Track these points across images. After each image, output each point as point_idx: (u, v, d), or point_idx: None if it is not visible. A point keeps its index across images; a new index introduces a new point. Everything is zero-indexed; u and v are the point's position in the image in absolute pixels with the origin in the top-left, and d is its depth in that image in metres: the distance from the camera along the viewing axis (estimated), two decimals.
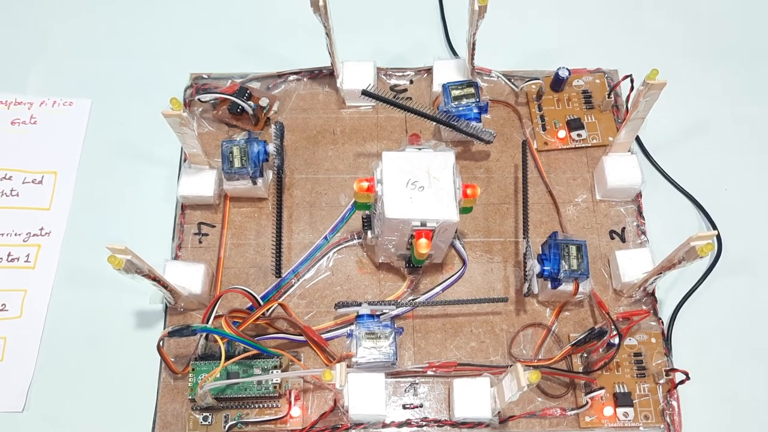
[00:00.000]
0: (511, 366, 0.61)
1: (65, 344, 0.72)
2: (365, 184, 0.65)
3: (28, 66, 0.85)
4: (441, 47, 0.87)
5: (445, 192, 0.63)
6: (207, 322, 0.65)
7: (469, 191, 0.65)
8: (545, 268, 0.68)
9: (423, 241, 0.63)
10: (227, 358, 0.63)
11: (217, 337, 0.63)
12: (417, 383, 0.70)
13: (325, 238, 0.75)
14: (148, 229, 0.77)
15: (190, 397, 0.66)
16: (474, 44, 0.74)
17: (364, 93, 0.69)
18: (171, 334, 0.63)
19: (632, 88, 0.79)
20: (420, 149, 0.66)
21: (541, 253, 0.71)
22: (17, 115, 0.81)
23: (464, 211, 0.66)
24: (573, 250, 0.69)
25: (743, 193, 0.79)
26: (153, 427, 0.68)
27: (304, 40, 0.85)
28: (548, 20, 0.89)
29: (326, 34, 0.73)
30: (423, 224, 0.63)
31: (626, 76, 0.79)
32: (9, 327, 0.72)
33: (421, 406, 0.69)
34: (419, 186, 0.64)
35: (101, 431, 0.69)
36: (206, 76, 0.83)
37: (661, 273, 0.66)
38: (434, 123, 0.76)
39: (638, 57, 0.86)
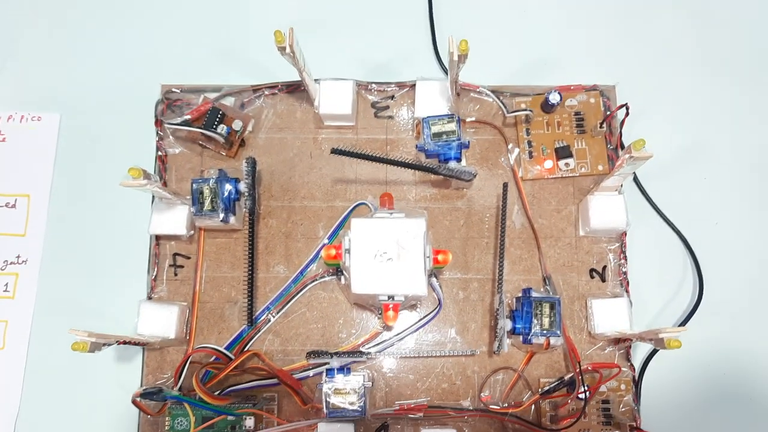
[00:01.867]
0: (482, 409, 0.66)
1: (49, 375, 0.74)
2: (333, 252, 0.63)
3: None
4: (428, 55, 0.81)
5: (414, 264, 0.62)
6: (178, 381, 0.67)
7: (440, 257, 0.64)
8: (517, 325, 0.68)
9: (390, 313, 0.62)
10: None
11: (187, 407, 0.65)
12: (388, 424, 0.72)
13: (301, 272, 0.75)
14: (124, 255, 0.76)
15: None
16: (457, 80, 0.69)
17: (334, 151, 0.66)
18: (143, 396, 0.65)
19: (627, 114, 0.75)
20: (391, 214, 0.63)
21: (513, 309, 0.70)
22: None
23: (436, 268, 0.65)
24: (546, 308, 0.68)
25: (733, 228, 0.77)
26: None
27: None
28: (544, 30, 0.82)
29: (298, 71, 0.68)
30: (390, 297, 0.62)
31: (621, 106, 0.74)
32: None
33: None
34: (387, 257, 0.62)
35: None
36: (177, 90, 0.79)
37: (632, 341, 0.66)
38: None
39: (639, 70, 0.81)
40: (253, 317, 0.72)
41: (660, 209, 0.77)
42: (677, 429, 0.72)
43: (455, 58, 0.63)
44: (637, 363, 0.73)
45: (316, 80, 0.75)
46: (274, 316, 0.74)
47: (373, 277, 0.62)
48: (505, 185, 0.72)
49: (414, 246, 0.62)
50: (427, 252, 0.63)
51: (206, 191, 0.71)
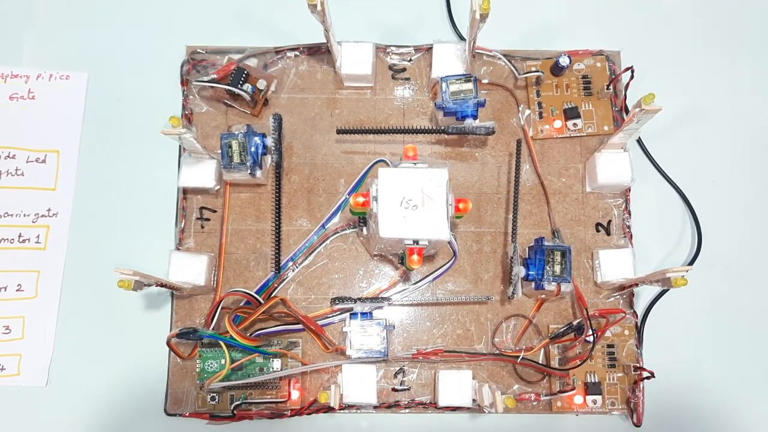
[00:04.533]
0: (495, 353, 0.71)
1: (80, 323, 0.77)
2: (361, 200, 0.67)
3: (21, 37, 0.83)
4: (443, 21, 0.85)
5: (438, 211, 0.66)
6: (211, 323, 0.70)
7: (461, 206, 0.67)
8: (530, 272, 0.72)
9: (415, 257, 0.66)
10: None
11: (222, 344, 0.68)
12: (405, 368, 0.76)
13: (323, 226, 0.78)
14: (151, 209, 0.80)
15: (198, 382, 0.73)
16: (474, 41, 0.73)
17: (340, 131, 0.73)
18: (179, 336, 0.68)
19: (632, 77, 0.79)
20: (415, 165, 0.67)
21: (527, 257, 0.74)
22: (15, 89, 0.81)
23: (457, 217, 0.69)
24: (558, 256, 0.72)
25: (730, 187, 0.81)
26: (165, 403, 0.75)
27: (302, 10, 0.82)
28: None
29: (324, 30, 0.71)
30: (415, 242, 0.66)
31: (627, 68, 0.78)
32: (27, 307, 0.77)
33: (408, 389, 0.76)
34: (413, 204, 0.66)
35: (118, 405, 0.76)
36: (202, 51, 0.82)
37: (637, 285, 0.70)
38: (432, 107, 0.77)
39: (643, 36, 0.85)
40: (280, 265, 0.76)
41: (661, 168, 0.81)
42: (677, 371, 0.77)
43: (477, 16, 0.66)
44: (639, 310, 0.78)
45: (338, 42, 0.78)
46: (297, 267, 0.78)
47: (399, 222, 0.65)
48: (519, 142, 0.77)
49: (438, 194, 0.66)
50: (450, 200, 0.67)
51: (235, 145, 0.74)
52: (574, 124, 0.80)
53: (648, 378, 0.73)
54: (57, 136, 0.81)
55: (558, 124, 0.80)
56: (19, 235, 0.78)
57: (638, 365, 0.75)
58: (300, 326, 0.74)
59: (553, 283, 0.72)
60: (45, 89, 0.82)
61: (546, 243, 0.73)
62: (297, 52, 0.82)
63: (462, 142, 0.81)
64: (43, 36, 0.84)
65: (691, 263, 0.79)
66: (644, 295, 0.79)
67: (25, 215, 0.79)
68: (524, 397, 0.75)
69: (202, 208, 0.79)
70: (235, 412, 0.73)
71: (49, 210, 0.79)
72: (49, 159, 0.80)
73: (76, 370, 0.76)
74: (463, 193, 0.80)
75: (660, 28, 0.85)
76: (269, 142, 0.75)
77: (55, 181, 0.80)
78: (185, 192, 0.79)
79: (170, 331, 0.76)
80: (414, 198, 0.66)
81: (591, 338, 0.72)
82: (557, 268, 0.72)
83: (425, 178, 0.66)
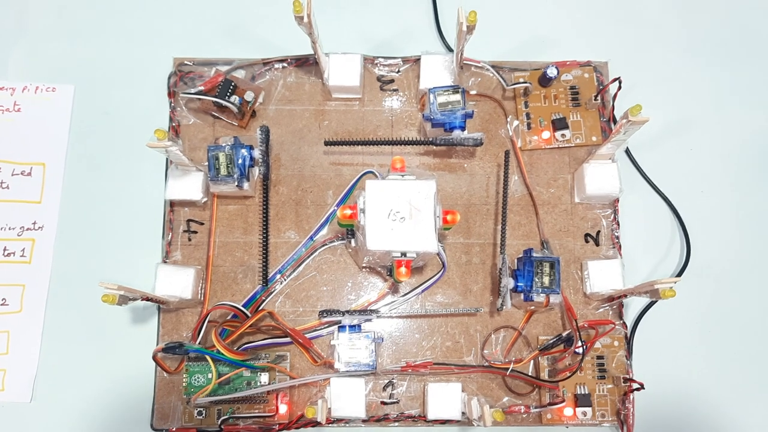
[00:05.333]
0: (485, 366, 0.71)
1: (66, 337, 0.76)
2: (348, 212, 0.67)
3: (7, 49, 0.83)
4: (431, 32, 0.85)
5: (425, 223, 0.65)
6: (198, 337, 0.70)
7: (449, 217, 0.67)
8: (519, 284, 0.72)
9: (403, 269, 0.66)
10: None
11: (209, 358, 0.68)
12: (395, 381, 0.76)
13: (311, 238, 0.78)
14: (138, 222, 0.79)
15: (185, 396, 0.72)
16: (462, 53, 0.73)
17: (327, 143, 0.73)
18: (165, 351, 0.68)
19: (620, 88, 0.79)
20: (403, 177, 0.67)
21: (515, 268, 0.74)
22: (0, 101, 0.81)
23: (445, 229, 0.69)
24: (546, 267, 0.72)
25: (718, 196, 0.82)
26: (152, 419, 0.74)
27: (290, 21, 0.82)
28: (541, 7, 0.86)
29: (312, 42, 0.71)
30: (403, 254, 0.66)
31: (614, 79, 0.78)
32: (11, 321, 0.76)
33: (398, 402, 0.75)
34: (400, 216, 0.66)
35: (104, 421, 0.75)
36: (190, 63, 0.82)
37: (626, 296, 0.70)
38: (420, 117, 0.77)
39: (631, 48, 0.85)
40: (267, 277, 0.75)
41: (650, 178, 0.81)
42: (667, 382, 0.77)
43: (464, 28, 0.66)
44: (629, 321, 0.78)
45: (325, 54, 0.78)
46: (285, 279, 0.77)
47: (386, 234, 0.65)
48: (507, 153, 0.77)
49: (425, 206, 0.66)
50: (438, 212, 0.66)
51: (222, 157, 0.73)
52: (563, 135, 0.80)
53: (638, 389, 0.73)
54: (43, 148, 0.80)
55: (546, 134, 0.80)
56: (4, 249, 0.78)
57: (628, 377, 0.74)
58: (288, 339, 0.74)
59: (542, 295, 0.72)
60: (31, 102, 0.81)
61: (535, 254, 0.73)
62: (285, 64, 0.82)
63: (450, 153, 0.81)
64: (30, 48, 0.83)
65: (680, 274, 0.79)
66: (633, 305, 0.78)
67: (10, 228, 0.78)
68: (514, 410, 0.74)
69: (189, 220, 0.79)
70: (222, 426, 0.72)
71: (34, 223, 0.79)
72: (34, 172, 0.80)
73: (61, 386, 0.76)
74: (452, 205, 0.79)
75: (647, 39, 0.86)
76: (256, 154, 0.75)
77: (40, 194, 0.79)
78: (172, 204, 0.78)
79: (157, 345, 0.75)
80: (401, 210, 0.66)
81: (581, 350, 0.72)
82: (546, 280, 0.72)
83: (413, 190, 0.66)
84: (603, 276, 0.76)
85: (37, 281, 0.77)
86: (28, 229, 0.78)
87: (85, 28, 0.84)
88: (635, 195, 0.81)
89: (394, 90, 0.82)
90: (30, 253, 0.78)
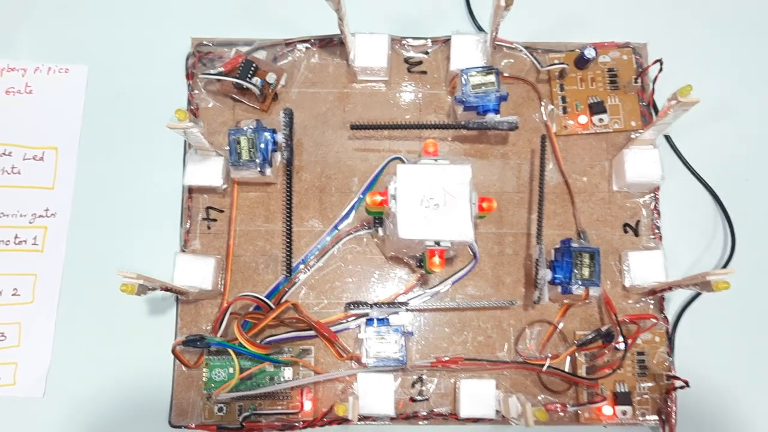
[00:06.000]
0: (519, 362, 0.67)
1: (80, 329, 0.73)
2: (378, 198, 0.63)
3: (17, 28, 0.79)
4: (461, 11, 0.81)
5: (461, 211, 0.62)
6: (219, 330, 0.66)
7: (485, 204, 0.64)
8: (557, 275, 0.68)
9: (436, 259, 0.62)
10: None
11: (231, 352, 0.64)
12: (424, 377, 0.72)
13: (335, 226, 0.74)
14: (155, 209, 0.76)
15: (205, 391, 0.69)
16: (497, 32, 0.69)
17: (353, 127, 0.71)
18: (185, 344, 0.64)
19: (661, 70, 0.75)
20: (436, 161, 0.63)
21: (553, 259, 0.70)
22: (11, 83, 0.77)
23: (480, 217, 0.65)
24: (586, 258, 0.68)
25: (764, 184, 0.77)
26: (170, 415, 0.71)
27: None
28: None
29: (338, 19, 0.67)
30: (437, 244, 0.62)
31: (656, 61, 0.74)
32: (23, 312, 0.73)
33: (427, 399, 0.72)
34: (434, 203, 0.62)
35: (120, 417, 0.71)
36: (209, 43, 0.78)
37: (671, 289, 0.66)
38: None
39: (671, 27, 0.81)
40: (291, 267, 0.72)
41: (691, 165, 0.77)
42: (711, 379, 0.73)
43: (502, 3, 0.62)
44: (671, 316, 0.74)
45: (351, 34, 0.74)
46: (309, 270, 0.74)
47: (419, 222, 0.61)
48: (543, 137, 0.73)
49: (460, 192, 0.62)
50: (473, 198, 0.63)
51: (243, 141, 0.70)
52: (600, 120, 0.76)
53: (682, 387, 0.69)
54: (55, 132, 0.77)
55: (583, 119, 0.76)
56: (16, 237, 0.74)
57: (671, 374, 0.70)
58: (312, 333, 0.70)
59: (581, 287, 0.68)
60: (43, 83, 0.78)
61: (573, 244, 0.69)
62: (308, 44, 0.78)
63: (481, 138, 0.77)
64: (41, 27, 0.80)
65: (724, 266, 0.74)
66: (674, 299, 0.75)
67: (21, 215, 0.75)
68: (550, 408, 0.70)
69: (208, 208, 0.75)
70: (244, 423, 0.69)
71: (47, 210, 0.75)
72: (47, 156, 0.76)
73: (75, 380, 0.72)
74: (483, 193, 0.74)
75: (688, 18, 0.81)
76: (280, 138, 0.71)
77: (53, 180, 0.76)
78: (191, 191, 0.75)
79: (175, 337, 0.72)
80: (435, 196, 0.62)
81: (622, 346, 0.68)
82: (586, 271, 0.68)
83: (447, 175, 0.62)
84: (644, 268, 0.72)
85: (50, 271, 0.74)
86: (40, 216, 0.75)
87: (99, 6, 0.80)
88: (676, 183, 0.77)
89: (423, 72, 0.78)
90: (42, 241, 0.75)
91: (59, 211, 0.75)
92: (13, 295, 0.73)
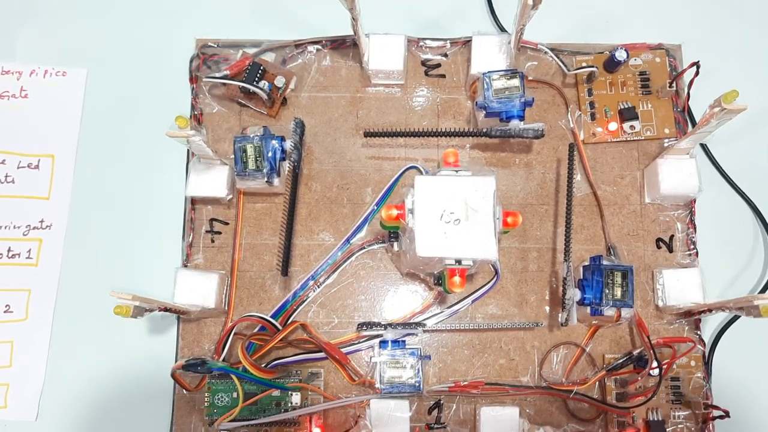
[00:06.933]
0: (543, 387, 0.62)
1: (75, 349, 0.69)
2: (394, 212, 0.58)
3: (13, 28, 0.75)
4: (482, 11, 0.76)
5: (484, 226, 0.57)
6: (222, 352, 0.62)
7: (510, 219, 0.59)
8: (586, 296, 0.63)
9: (456, 279, 0.57)
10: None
11: (235, 378, 0.60)
12: (442, 402, 0.67)
13: (347, 240, 0.70)
14: (156, 221, 0.72)
15: (206, 417, 0.64)
16: (522, 32, 0.64)
17: (367, 134, 0.65)
18: (185, 368, 0.60)
19: (697, 74, 0.70)
20: (457, 172, 0.58)
21: (581, 277, 0.65)
22: (6, 86, 0.73)
23: (503, 233, 0.60)
24: (618, 277, 0.63)
25: None
26: None
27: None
28: None
29: (352, 19, 0.63)
30: (458, 262, 0.57)
31: (692, 64, 0.69)
32: (15, 330, 0.69)
33: (445, 426, 0.67)
34: (455, 219, 0.57)
35: None
36: (214, 44, 0.74)
37: (710, 311, 0.61)
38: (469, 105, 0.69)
39: (707, 28, 0.76)
40: (288, 268, 0.67)
41: (729, 176, 0.72)
42: (752, 410, 0.67)
43: (529, 2, 0.58)
44: (707, 338, 0.69)
45: (366, 35, 0.70)
46: (319, 287, 0.69)
47: (439, 239, 0.57)
48: (571, 146, 0.67)
49: (483, 206, 0.57)
50: (497, 213, 0.58)
51: (250, 150, 0.65)
52: (632, 127, 0.71)
53: (721, 417, 0.64)
54: (52, 139, 0.73)
55: (613, 126, 0.71)
56: (9, 250, 0.70)
57: (709, 402, 0.65)
58: (322, 354, 0.66)
59: (612, 308, 0.63)
60: (39, 87, 0.74)
61: (604, 262, 0.64)
62: (319, 46, 0.74)
63: (503, 146, 0.72)
64: (38, 27, 0.76)
65: (766, 285, 0.69)
66: (711, 321, 0.69)
67: (15, 227, 0.71)
68: None
69: (212, 219, 0.71)
70: None
71: (41, 222, 0.71)
72: (42, 165, 0.72)
73: (69, 403, 0.68)
74: (506, 205, 0.70)
75: (726, 17, 0.76)
76: (288, 146, 0.67)
77: (49, 190, 0.72)
78: (194, 202, 0.71)
79: (176, 358, 0.68)
80: (456, 210, 0.57)
81: (656, 372, 0.63)
82: (618, 291, 0.63)
83: (469, 188, 0.58)
84: (680, 287, 0.67)
85: (44, 286, 0.70)
86: (34, 228, 0.71)
87: (98, 6, 0.76)
88: (712, 195, 0.72)
89: (441, 75, 0.74)
90: (36, 254, 0.70)
91: (55, 223, 0.71)
92: (5, 311, 0.69)
